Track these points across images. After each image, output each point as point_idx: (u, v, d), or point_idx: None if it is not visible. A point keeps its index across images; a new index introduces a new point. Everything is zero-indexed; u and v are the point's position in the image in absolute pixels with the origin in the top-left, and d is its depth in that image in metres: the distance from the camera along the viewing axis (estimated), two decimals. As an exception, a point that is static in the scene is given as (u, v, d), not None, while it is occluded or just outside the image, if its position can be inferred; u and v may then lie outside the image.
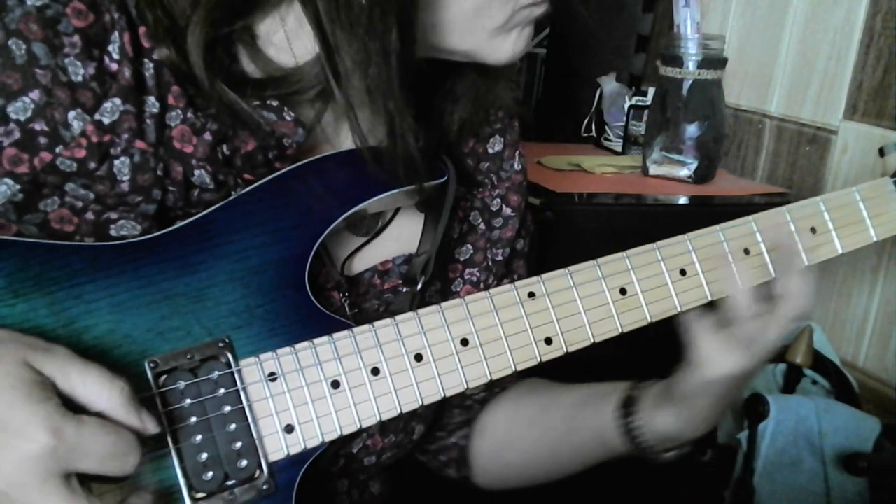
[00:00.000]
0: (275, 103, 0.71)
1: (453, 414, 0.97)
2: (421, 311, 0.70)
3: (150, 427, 0.58)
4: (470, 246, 0.91)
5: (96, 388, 0.56)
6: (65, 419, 0.53)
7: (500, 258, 0.93)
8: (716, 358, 0.74)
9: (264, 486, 0.65)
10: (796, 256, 0.79)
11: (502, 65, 0.76)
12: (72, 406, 0.55)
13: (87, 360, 0.57)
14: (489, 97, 0.85)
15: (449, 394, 0.70)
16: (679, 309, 0.77)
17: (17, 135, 0.63)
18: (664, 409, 0.81)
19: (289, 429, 0.66)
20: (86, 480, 0.56)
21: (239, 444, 0.64)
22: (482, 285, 0.92)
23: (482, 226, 0.92)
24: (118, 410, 0.57)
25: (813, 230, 0.82)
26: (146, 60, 0.67)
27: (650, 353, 0.99)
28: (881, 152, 0.90)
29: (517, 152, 0.94)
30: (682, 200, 1.51)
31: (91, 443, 0.54)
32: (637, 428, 0.83)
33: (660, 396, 0.82)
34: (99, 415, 0.56)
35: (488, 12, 0.72)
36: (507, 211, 0.93)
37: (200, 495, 0.63)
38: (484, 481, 0.99)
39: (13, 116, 0.63)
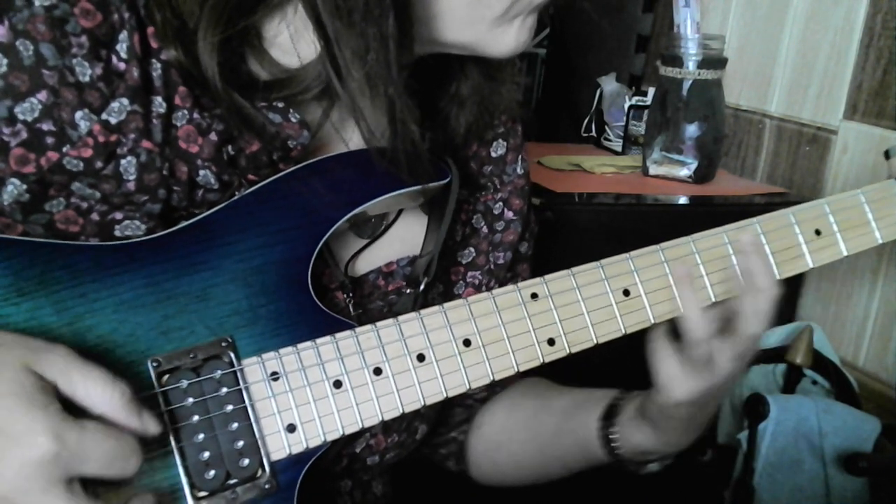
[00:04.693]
0: (280, 105, 0.71)
1: (455, 412, 0.98)
2: (424, 311, 0.70)
3: (152, 428, 0.58)
4: (472, 249, 0.91)
5: (98, 391, 0.56)
6: (66, 424, 0.53)
7: (501, 261, 0.93)
8: (676, 382, 0.74)
9: (266, 485, 0.65)
10: (760, 272, 0.75)
11: (505, 57, 0.76)
12: (72, 409, 0.55)
13: (88, 362, 0.57)
14: (494, 99, 0.85)
15: (451, 394, 0.70)
16: (682, 310, 0.76)
17: (24, 135, 0.63)
18: (641, 423, 0.81)
19: (291, 428, 0.66)
20: (87, 484, 0.56)
21: (241, 443, 0.64)
22: (484, 288, 0.92)
23: (484, 229, 0.92)
24: (119, 413, 0.57)
25: (818, 232, 0.81)
26: (154, 60, 0.67)
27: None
28: (887, 154, 0.89)
29: (520, 156, 0.94)
30: (682, 200, 1.51)
31: (93, 447, 0.54)
32: (615, 440, 0.83)
33: (638, 411, 0.81)
34: (100, 417, 0.56)
35: (487, 1, 0.71)
36: (509, 214, 0.93)
37: (202, 494, 0.63)
38: (477, 476, 1.00)
39: (20, 117, 0.63)
